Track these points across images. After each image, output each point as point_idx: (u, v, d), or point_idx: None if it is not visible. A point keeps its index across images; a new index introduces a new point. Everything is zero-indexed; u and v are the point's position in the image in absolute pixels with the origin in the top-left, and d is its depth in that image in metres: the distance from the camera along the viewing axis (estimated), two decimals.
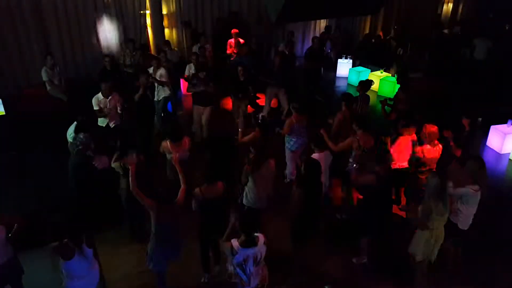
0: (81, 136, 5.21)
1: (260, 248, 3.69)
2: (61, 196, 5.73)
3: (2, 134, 7.52)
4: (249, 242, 3.64)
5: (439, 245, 4.44)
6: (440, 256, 4.57)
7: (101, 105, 6.62)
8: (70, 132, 5.65)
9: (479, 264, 5.08)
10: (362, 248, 5.14)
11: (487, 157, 7.69)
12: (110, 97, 6.67)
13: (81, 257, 3.71)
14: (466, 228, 4.64)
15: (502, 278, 4.96)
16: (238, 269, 3.70)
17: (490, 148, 8.09)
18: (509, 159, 7.81)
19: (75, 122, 5.65)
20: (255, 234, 3.73)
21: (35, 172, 6.69)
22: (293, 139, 6.23)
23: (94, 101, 6.66)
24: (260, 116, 6.21)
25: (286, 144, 6.36)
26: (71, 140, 5.48)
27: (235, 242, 3.64)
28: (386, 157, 5.06)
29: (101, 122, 6.84)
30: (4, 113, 8.14)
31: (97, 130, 6.07)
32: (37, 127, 7.62)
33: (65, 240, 3.65)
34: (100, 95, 6.67)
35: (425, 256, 4.42)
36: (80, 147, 5.19)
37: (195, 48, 10.00)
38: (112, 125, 6.79)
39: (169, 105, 8.37)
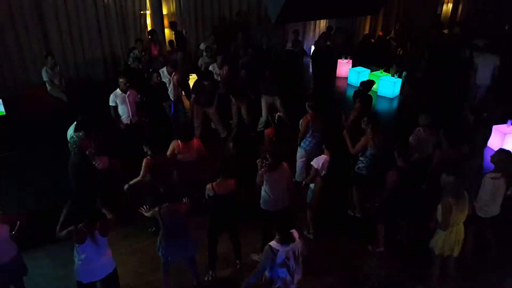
0: (77, 136, 5.21)
1: (297, 243, 3.77)
2: (61, 196, 5.73)
3: (2, 134, 7.52)
4: (287, 239, 3.70)
5: (461, 241, 4.49)
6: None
7: (118, 101, 6.64)
8: (70, 132, 5.66)
9: (478, 263, 5.08)
10: (380, 236, 5.23)
11: (487, 157, 7.67)
12: (128, 93, 6.70)
13: (92, 243, 3.85)
14: (484, 216, 4.79)
15: (503, 277, 4.95)
16: (281, 270, 3.71)
17: (490, 148, 8.08)
18: None
19: (75, 122, 5.66)
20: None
21: (35, 172, 6.69)
22: (309, 139, 6.22)
23: (111, 97, 6.68)
24: (276, 115, 6.26)
25: (301, 143, 6.36)
26: (71, 140, 5.49)
27: (273, 243, 3.69)
28: (409, 151, 5.09)
29: (126, 118, 6.88)
30: (4, 113, 8.14)
31: (99, 129, 6.10)
32: (37, 127, 7.62)
33: (80, 225, 3.82)
34: (118, 91, 6.69)
35: (444, 250, 4.47)
36: (74, 147, 5.20)
37: (202, 46, 10.03)
38: (127, 121, 6.84)
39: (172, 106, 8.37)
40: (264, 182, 4.82)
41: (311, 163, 5.31)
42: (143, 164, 5.05)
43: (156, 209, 4.29)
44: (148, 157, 5.07)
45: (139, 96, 7.00)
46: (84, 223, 3.84)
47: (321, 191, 5.23)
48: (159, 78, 7.39)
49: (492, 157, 4.85)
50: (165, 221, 4.28)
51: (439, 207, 4.34)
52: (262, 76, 8.14)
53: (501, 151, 4.87)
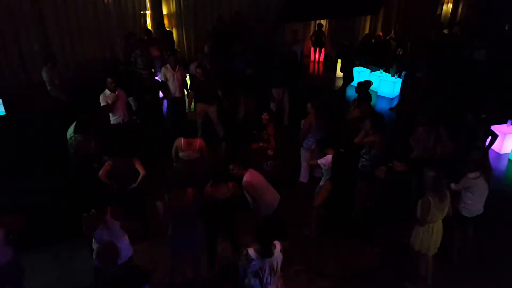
0: (78, 137, 5.21)
1: (277, 256, 3.57)
2: (61, 196, 5.73)
3: (2, 134, 7.52)
4: (265, 252, 3.51)
5: (440, 239, 4.48)
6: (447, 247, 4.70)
7: (109, 101, 6.66)
8: (70, 132, 5.66)
9: (479, 263, 5.09)
10: (378, 236, 5.24)
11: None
12: (117, 92, 6.73)
13: (103, 228, 3.92)
14: (471, 216, 4.81)
15: (502, 277, 4.97)
16: (254, 279, 3.54)
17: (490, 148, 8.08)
18: (509, 159, 7.82)
19: (75, 122, 5.65)
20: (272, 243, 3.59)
21: (35, 172, 6.69)
22: (311, 139, 6.21)
23: (101, 97, 6.69)
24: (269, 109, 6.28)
25: (303, 143, 6.35)
26: (69, 141, 5.49)
27: (251, 250, 3.52)
28: (404, 154, 5.03)
29: (113, 120, 6.90)
30: (4, 113, 8.14)
31: (100, 129, 6.10)
32: (37, 127, 7.62)
33: (92, 210, 3.90)
34: (107, 91, 6.71)
35: (423, 249, 4.45)
36: (72, 151, 5.20)
37: (206, 50, 10.01)
38: (119, 121, 6.85)
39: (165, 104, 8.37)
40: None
41: (318, 161, 5.26)
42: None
43: (165, 196, 4.26)
44: (109, 162, 5.03)
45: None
46: (95, 209, 3.90)
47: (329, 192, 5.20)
48: (147, 75, 7.38)
49: (469, 156, 4.84)
50: (172, 208, 4.23)
51: (419, 202, 4.33)
52: (271, 66, 8.15)
53: (477, 149, 4.87)
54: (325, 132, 6.17)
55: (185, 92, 8.19)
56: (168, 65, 7.89)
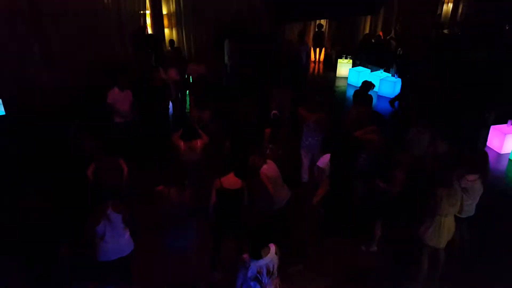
0: (84, 138, 5.22)
1: (272, 258, 3.60)
2: (61, 196, 5.73)
3: (2, 134, 7.52)
4: (254, 254, 3.54)
5: (451, 235, 4.50)
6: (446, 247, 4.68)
7: (119, 98, 6.64)
8: (70, 133, 5.65)
9: (479, 264, 5.08)
10: (375, 235, 5.23)
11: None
12: (125, 91, 6.73)
13: (105, 222, 3.99)
14: (463, 216, 4.81)
15: (502, 278, 4.96)
16: (253, 283, 3.57)
17: (490, 148, 8.09)
18: (509, 159, 7.82)
19: (75, 123, 5.65)
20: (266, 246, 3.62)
21: (35, 172, 6.68)
22: (309, 138, 6.21)
23: (109, 95, 6.70)
24: (271, 114, 6.24)
25: (302, 143, 6.35)
26: (72, 141, 5.49)
27: (246, 256, 3.56)
28: (408, 146, 5.06)
29: (117, 118, 6.91)
30: (4, 113, 8.14)
31: (100, 129, 6.09)
32: (37, 127, 7.62)
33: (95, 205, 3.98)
34: (116, 88, 6.72)
35: (433, 242, 4.46)
36: (82, 149, 5.21)
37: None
38: (124, 119, 6.85)
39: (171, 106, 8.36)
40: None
41: (319, 165, 5.25)
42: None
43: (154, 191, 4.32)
44: (93, 163, 5.03)
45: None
46: (97, 204, 3.98)
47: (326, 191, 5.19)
48: (157, 74, 7.38)
49: (468, 158, 4.84)
50: (161, 205, 4.29)
51: (434, 194, 4.36)
52: (273, 66, 8.13)
53: (477, 152, 4.87)
54: (326, 132, 6.17)
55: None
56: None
